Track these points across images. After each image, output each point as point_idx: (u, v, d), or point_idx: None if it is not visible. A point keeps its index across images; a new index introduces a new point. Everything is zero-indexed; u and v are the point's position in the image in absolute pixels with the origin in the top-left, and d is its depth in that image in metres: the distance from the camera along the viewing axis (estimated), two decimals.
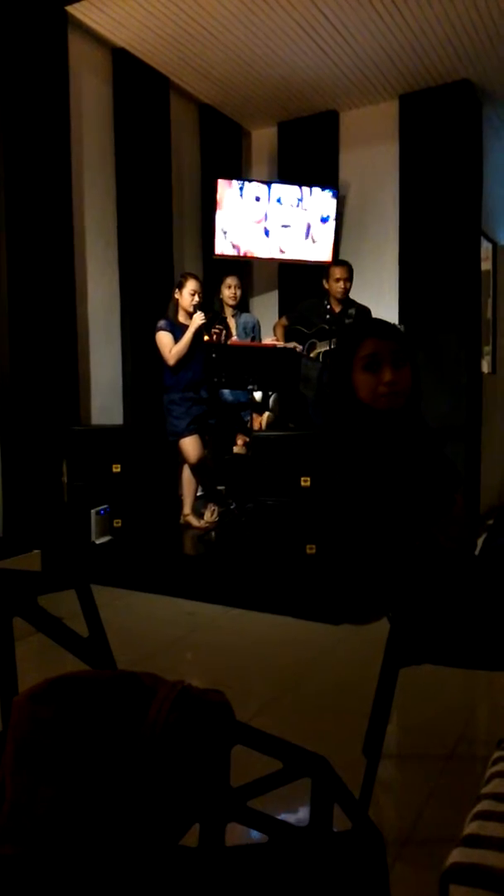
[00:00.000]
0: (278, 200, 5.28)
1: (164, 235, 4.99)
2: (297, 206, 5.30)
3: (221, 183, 5.11)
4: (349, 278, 4.65)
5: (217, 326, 4.39)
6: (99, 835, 0.73)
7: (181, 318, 4.36)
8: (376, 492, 1.69)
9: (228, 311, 4.78)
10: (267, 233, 5.30)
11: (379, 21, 4.16)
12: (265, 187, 5.32)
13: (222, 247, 5.19)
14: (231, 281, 4.74)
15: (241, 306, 4.96)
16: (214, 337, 4.34)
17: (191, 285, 4.34)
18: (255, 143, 5.92)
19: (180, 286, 4.36)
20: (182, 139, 5.22)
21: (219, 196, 5.10)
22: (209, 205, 5.22)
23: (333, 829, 0.86)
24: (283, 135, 5.66)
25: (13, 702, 0.78)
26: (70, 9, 4.13)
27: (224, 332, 4.46)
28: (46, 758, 0.74)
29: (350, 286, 4.67)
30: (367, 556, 1.77)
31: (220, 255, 5.21)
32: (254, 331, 4.86)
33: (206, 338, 4.32)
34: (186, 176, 5.32)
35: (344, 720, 2.30)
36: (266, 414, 4.59)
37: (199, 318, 4.27)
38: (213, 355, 4.20)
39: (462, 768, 2.00)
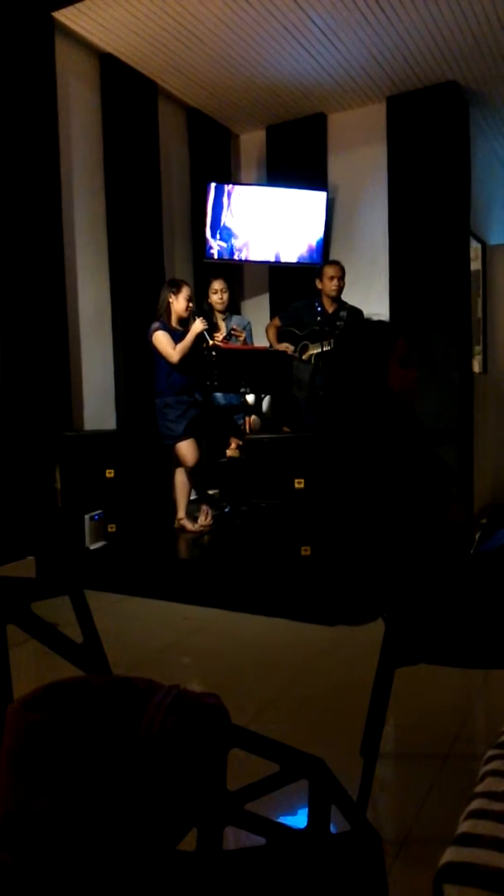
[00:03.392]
0: (267, 203, 5.28)
1: (154, 240, 4.99)
2: (287, 208, 5.31)
3: (211, 186, 5.11)
4: (342, 277, 4.67)
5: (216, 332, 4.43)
6: (95, 840, 0.72)
7: (173, 321, 4.36)
8: (403, 482, 1.72)
9: (218, 316, 4.79)
10: (256, 235, 5.30)
11: (365, 24, 4.18)
12: (254, 190, 5.33)
13: (212, 251, 5.20)
14: (217, 285, 4.74)
15: (232, 309, 4.96)
16: (221, 342, 4.36)
17: (186, 291, 4.35)
18: (243, 146, 5.93)
19: (176, 292, 4.35)
20: (171, 144, 5.23)
21: (208, 199, 5.10)
22: (199, 209, 5.22)
23: (331, 830, 0.86)
24: (272, 138, 5.68)
25: (8, 708, 0.78)
26: (57, 14, 4.13)
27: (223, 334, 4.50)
28: (41, 764, 0.73)
29: (343, 285, 4.69)
30: (370, 550, 1.78)
31: (210, 259, 5.21)
32: (245, 332, 4.87)
33: (210, 342, 4.32)
34: (175, 180, 5.33)
35: (341, 721, 2.30)
36: (252, 417, 4.58)
37: (200, 324, 4.26)
38: (213, 357, 4.20)
39: (459, 767, 2.01)
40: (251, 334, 4.95)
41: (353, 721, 2.05)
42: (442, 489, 1.76)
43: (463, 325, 5.13)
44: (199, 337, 4.29)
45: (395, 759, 2.13)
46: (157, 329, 4.29)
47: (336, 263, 4.76)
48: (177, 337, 4.29)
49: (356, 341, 1.91)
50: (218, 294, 4.72)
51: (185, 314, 4.34)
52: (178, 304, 4.34)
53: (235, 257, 5.31)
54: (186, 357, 4.29)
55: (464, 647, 1.67)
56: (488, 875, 0.85)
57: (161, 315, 4.36)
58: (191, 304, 4.37)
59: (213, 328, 4.53)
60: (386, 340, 1.84)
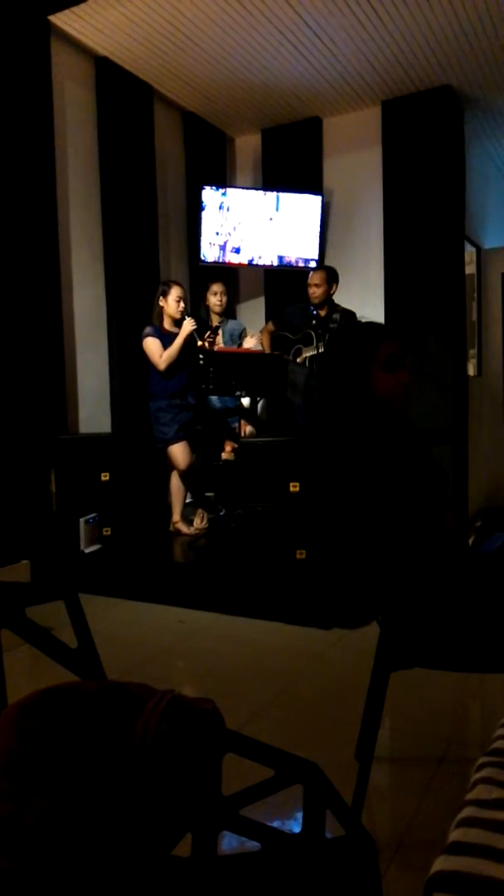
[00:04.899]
0: (263, 206, 5.29)
1: (149, 243, 4.99)
2: (282, 212, 5.32)
3: (206, 190, 5.12)
4: (321, 283, 4.66)
5: (209, 335, 4.39)
6: (90, 847, 0.72)
7: (166, 325, 4.36)
8: (391, 489, 1.71)
9: (215, 319, 4.79)
10: (252, 239, 5.31)
11: (360, 28, 4.19)
12: (249, 194, 5.34)
13: (208, 254, 5.20)
14: (217, 288, 4.74)
15: (228, 313, 4.96)
16: (207, 344, 4.35)
17: (175, 292, 4.35)
18: (239, 149, 5.94)
19: (165, 294, 4.36)
20: (166, 147, 5.23)
21: (204, 203, 5.11)
22: (194, 212, 5.23)
23: (326, 835, 0.86)
24: (267, 141, 5.69)
25: (1, 714, 0.78)
26: (52, 18, 4.13)
27: (215, 340, 4.47)
28: (36, 771, 0.73)
29: (327, 290, 4.68)
30: (365, 553, 1.78)
31: (206, 263, 5.22)
32: (241, 338, 4.87)
33: (199, 343, 4.32)
34: (171, 184, 5.33)
35: (336, 725, 2.30)
36: (249, 429, 4.59)
37: (189, 324, 4.27)
38: (201, 361, 4.20)
39: (454, 771, 2.01)
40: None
41: (348, 725, 2.05)
42: (436, 494, 1.76)
43: (458, 328, 5.15)
44: (192, 337, 4.30)
45: (390, 764, 2.13)
46: (147, 335, 4.31)
47: (318, 270, 4.76)
48: (168, 340, 4.29)
49: (339, 348, 1.91)
50: (217, 296, 4.73)
51: (177, 315, 4.34)
52: (169, 306, 4.34)
53: (231, 261, 5.32)
54: (178, 361, 4.29)
55: (459, 651, 1.67)
56: (479, 884, 0.84)
57: (153, 319, 4.36)
58: (181, 305, 4.36)
59: (204, 328, 4.51)
60: (366, 347, 1.82)
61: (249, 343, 4.67)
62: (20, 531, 3.89)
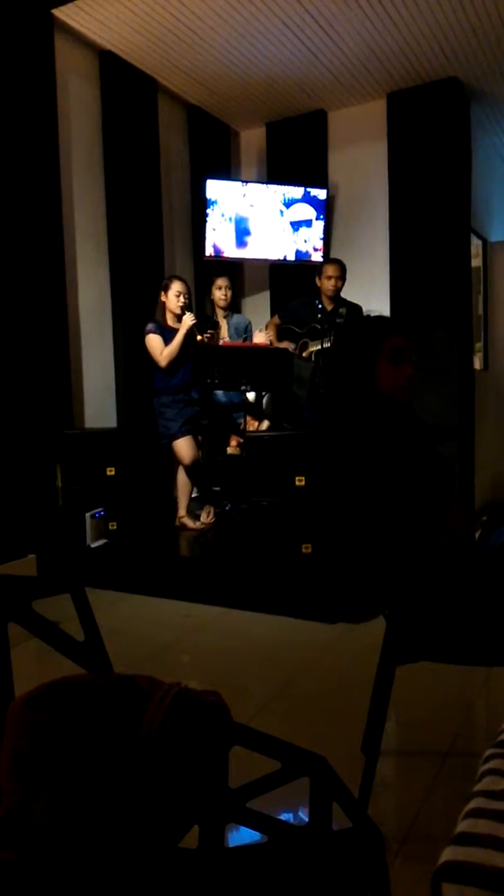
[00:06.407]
0: (268, 200, 5.28)
1: (154, 237, 4.99)
2: (287, 205, 5.30)
3: (210, 183, 5.11)
4: (341, 277, 4.66)
5: (209, 331, 4.38)
6: (98, 839, 0.72)
7: (169, 320, 4.36)
8: (396, 482, 1.71)
9: (220, 313, 4.78)
10: (256, 233, 5.30)
11: (365, 20, 4.17)
12: (254, 187, 5.33)
13: (213, 248, 5.19)
14: (221, 282, 4.73)
15: (233, 307, 4.95)
16: (206, 339, 4.34)
17: (176, 287, 4.33)
18: (243, 143, 5.92)
19: (165, 289, 4.35)
20: (171, 141, 5.22)
21: (208, 197, 5.10)
22: (199, 206, 5.22)
23: (333, 827, 0.86)
24: (272, 135, 5.67)
25: (9, 707, 0.78)
26: (56, 11, 4.12)
27: (214, 335, 4.45)
28: (43, 763, 0.74)
29: (341, 285, 4.68)
30: (371, 547, 1.78)
31: (210, 257, 5.21)
32: (246, 332, 4.86)
33: (198, 338, 4.32)
34: (175, 177, 5.32)
35: (342, 718, 2.30)
36: (265, 423, 4.57)
37: (189, 319, 4.26)
38: (205, 357, 4.20)
39: (460, 764, 2.01)
40: (252, 334, 4.94)
41: (354, 718, 2.05)
42: (441, 489, 1.76)
43: (464, 322, 5.12)
44: (192, 332, 4.29)
45: (396, 757, 2.13)
46: (149, 331, 4.30)
47: (336, 263, 4.74)
48: (171, 336, 4.28)
49: (346, 342, 1.91)
50: (222, 290, 4.72)
51: (177, 310, 4.33)
52: (170, 301, 4.33)
53: (235, 255, 5.31)
54: (181, 356, 4.29)
55: (465, 645, 1.67)
56: (487, 874, 0.85)
57: (156, 315, 4.36)
58: (181, 298, 4.34)
59: (205, 322, 4.49)
60: (372, 340, 1.82)
61: (259, 339, 4.66)
62: (26, 526, 3.90)
